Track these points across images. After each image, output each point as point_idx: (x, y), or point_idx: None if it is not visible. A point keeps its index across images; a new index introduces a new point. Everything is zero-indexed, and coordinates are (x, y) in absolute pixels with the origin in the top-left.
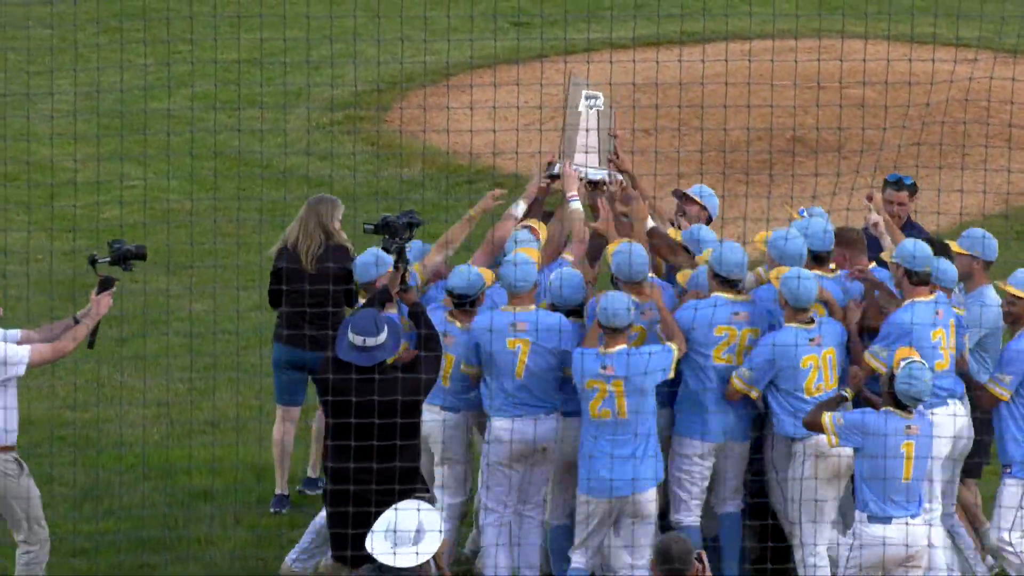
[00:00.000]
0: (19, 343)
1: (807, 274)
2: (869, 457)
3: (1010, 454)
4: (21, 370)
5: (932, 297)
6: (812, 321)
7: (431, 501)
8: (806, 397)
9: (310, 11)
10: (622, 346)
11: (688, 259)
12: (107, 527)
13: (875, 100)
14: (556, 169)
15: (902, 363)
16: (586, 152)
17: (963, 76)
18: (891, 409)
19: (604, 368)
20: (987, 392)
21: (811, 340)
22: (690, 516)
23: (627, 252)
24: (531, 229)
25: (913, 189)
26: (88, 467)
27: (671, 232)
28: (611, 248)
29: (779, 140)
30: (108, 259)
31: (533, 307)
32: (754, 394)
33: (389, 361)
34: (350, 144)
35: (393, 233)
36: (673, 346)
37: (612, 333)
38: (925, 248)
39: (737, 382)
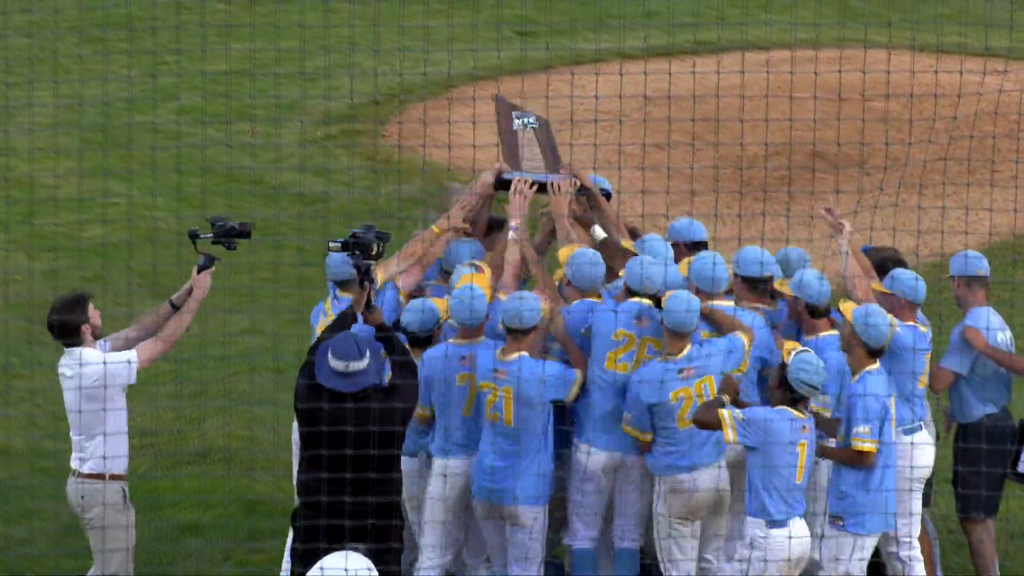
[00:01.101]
0: (113, 350)
1: (695, 304)
2: (765, 457)
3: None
4: (133, 378)
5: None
6: (681, 352)
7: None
8: (679, 428)
9: (304, 20)
10: (522, 354)
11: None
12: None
13: (899, 113)
14: (507, 175)
15: (792, 353)
16: (532, 166)
17: (992, 88)
18: (785, 407)
19: (496, 372)
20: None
21: (680, 372)
22: (578, 541)
23: (584, 256)
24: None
25: None
26: None
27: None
28: (565, 254)
29: (798, 155)
30: (211, 236)
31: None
32: (648, 437)
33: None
34: (346, 159)
35: (364, 249)
36: (578, 373)
37: (513, 335)
38: (827, 285)
39: (625, 425)
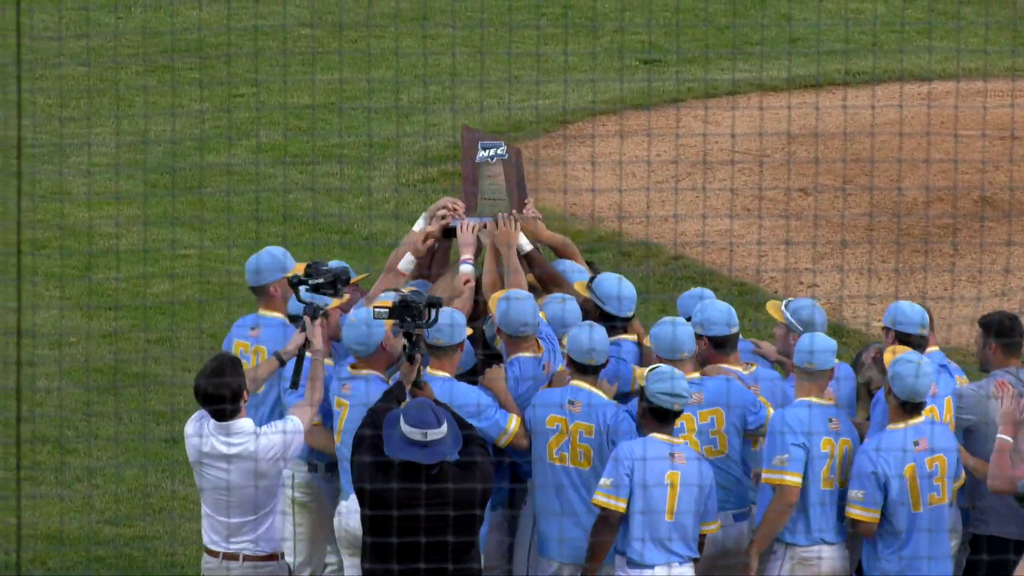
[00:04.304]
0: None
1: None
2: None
3: None
4: (300, 448)
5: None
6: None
7: None
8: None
9: (399, 47)
10: (447, 373)
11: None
12: None
13: None
14: (454, 223)
15: (647, 371)
16: (493, 199)
17: None
18: (654, 434)
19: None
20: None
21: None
22: None
23: (505, 302)
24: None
25: None
26: None
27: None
28: (494, 297)
29: (965, 202)
30: (320, 280)
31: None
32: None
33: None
34: None
35: (415, 315)
36: (512, 421)
37: (435, 352)
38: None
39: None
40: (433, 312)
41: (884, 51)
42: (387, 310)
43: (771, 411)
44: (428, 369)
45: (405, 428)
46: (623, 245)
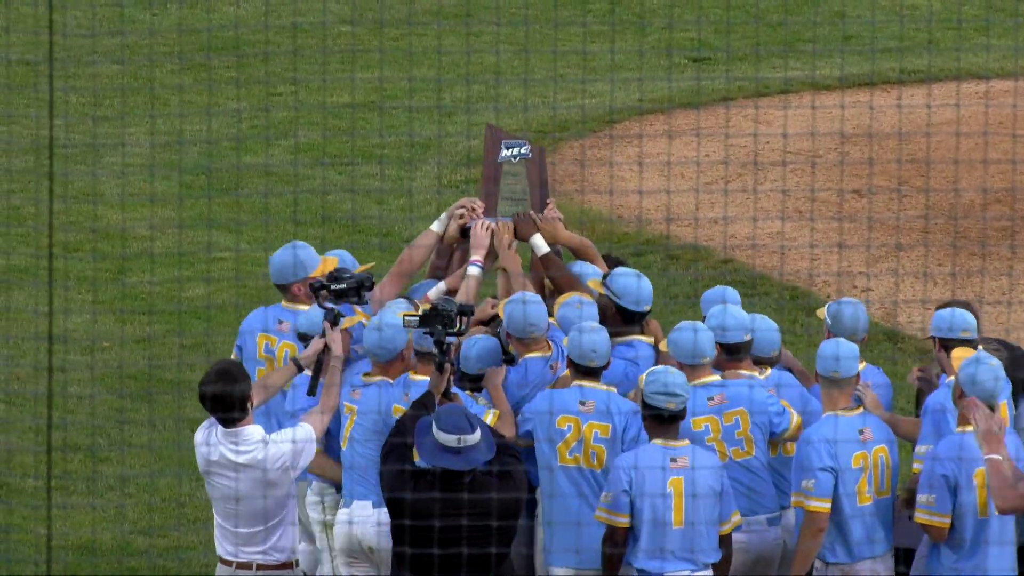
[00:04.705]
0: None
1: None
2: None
3: None
4: (311, 457)
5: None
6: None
7: None
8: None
9: (442, 44)
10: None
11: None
12: None
13: None
14: (470, 223)
15: (647, 375)
16: (513, 199)
17: None
18: (656, 440)
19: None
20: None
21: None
22: None
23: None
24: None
25: None
26: None
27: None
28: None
29: (1023, 204)
30: (343, 286)
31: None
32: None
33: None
34: None
35: (446, 323)
36: (488, 414)
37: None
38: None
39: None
40: (464, 321)
41: (940, 49)
42: (417, 318)
43: (795, 417)
44: (411, 374)
45: (438, 434)
46: (671, 248)
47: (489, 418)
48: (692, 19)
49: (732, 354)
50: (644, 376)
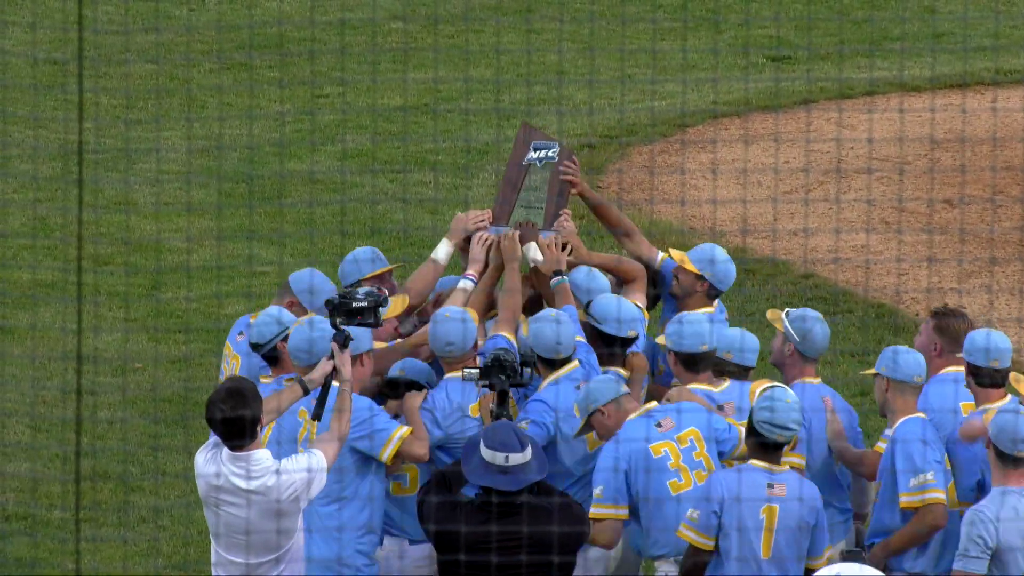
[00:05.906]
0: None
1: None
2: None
3: None
4: (321, 486)
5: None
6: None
7: None
8: None
9: (500, 43)
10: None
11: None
12: None
13: None
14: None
15: (758, 392)
16: (528, 207)
17: None
18: (753, 462)
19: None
20: None
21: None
22: None
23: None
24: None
25: None
26: None
27: None
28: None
29: None
30: (364, 303)
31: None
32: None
33: None
34: None
35: (509, 375)
36: (399, 428)
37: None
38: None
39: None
40: (528, 371)
41: None
42: (477, 370)
43: (742, 431)
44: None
45: (485, 452)
46: (747, 262)
47: (402, 431)
48: (770, 15)
49: (689, 366)
50: (756, 396)
